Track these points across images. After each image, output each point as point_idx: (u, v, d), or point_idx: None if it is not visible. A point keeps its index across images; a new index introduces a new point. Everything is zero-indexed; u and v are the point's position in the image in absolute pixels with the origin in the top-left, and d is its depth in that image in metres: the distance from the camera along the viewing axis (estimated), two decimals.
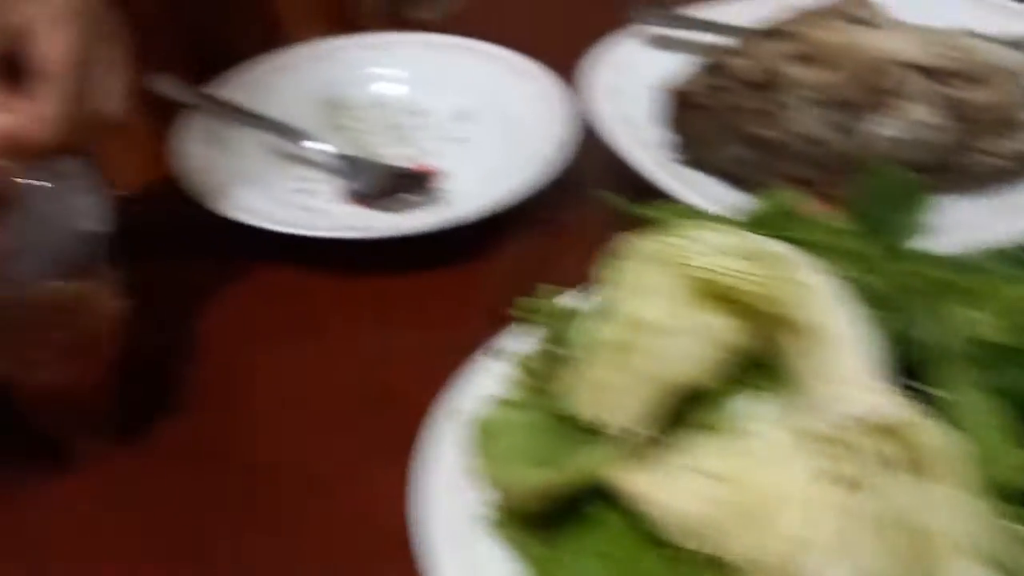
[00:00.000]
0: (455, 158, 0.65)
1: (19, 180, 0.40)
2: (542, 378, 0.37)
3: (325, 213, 0.60)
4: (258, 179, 0.61)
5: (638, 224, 0.38)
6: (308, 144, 0.63)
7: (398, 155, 0.65)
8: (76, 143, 0.43)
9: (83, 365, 0.44)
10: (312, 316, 0.55)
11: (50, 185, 0.42)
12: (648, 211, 0.37)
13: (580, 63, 0.63)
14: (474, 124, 0.67)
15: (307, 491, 0.44)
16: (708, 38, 0.61)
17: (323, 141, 0.63)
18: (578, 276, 0.42)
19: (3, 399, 0.44)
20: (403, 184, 0.62)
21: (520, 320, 0.39)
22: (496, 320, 0.48)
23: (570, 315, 0.38)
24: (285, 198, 0.61)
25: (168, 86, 0.62)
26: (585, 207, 0.58)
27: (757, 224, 0.36)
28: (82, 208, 0.43)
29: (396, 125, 0.68)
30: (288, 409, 0.49)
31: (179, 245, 0.58)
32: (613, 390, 0.33)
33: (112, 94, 0.44)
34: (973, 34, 0.55)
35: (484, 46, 0.70)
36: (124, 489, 0.45)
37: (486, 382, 0.40)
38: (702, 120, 0.52)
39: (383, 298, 0.55)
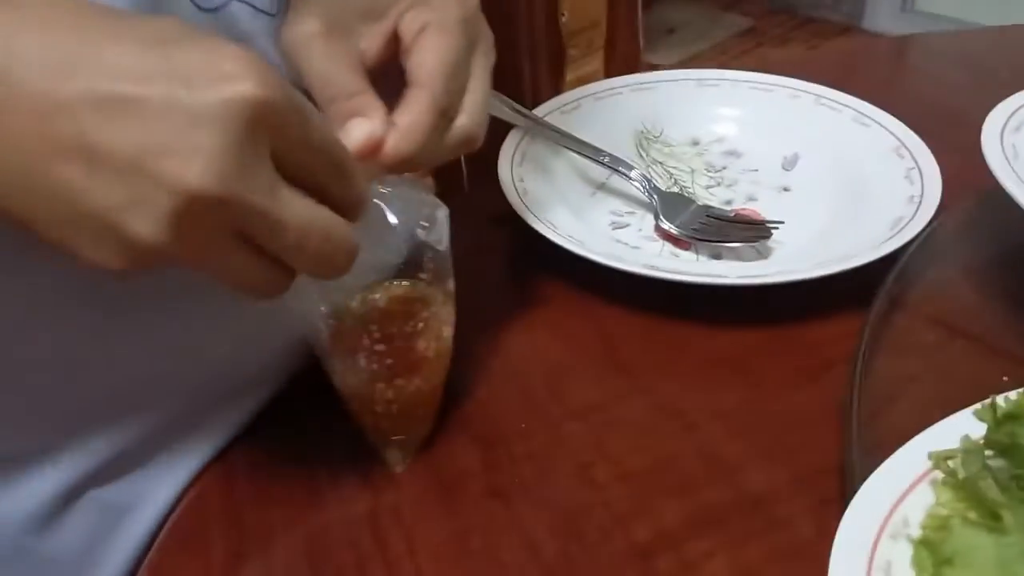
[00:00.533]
0: (777, 207, 0.58)
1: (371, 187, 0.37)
2: (991, 492, 0.30)
3: (637, 249, 0.56)
4: (574, 204, 0.57)
5: None
6: (628, 175, 0.59)
7: (714, 197, 0.60)
8: (431, 157, 0.39)
9: (415, 379, 0.41)
10: (619, 358, 0.49)
11: (394, 195, 0.39)
12: None
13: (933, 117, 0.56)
14: (803, 173, 0.61)
15: (618, 556, 0.39)
16: None
17: (639, 173, 0.59)
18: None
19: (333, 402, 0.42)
20: (720, 228, 0.56)
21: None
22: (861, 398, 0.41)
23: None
24: (599, 228, 0.57)
25: (496, 104, 0.60)
26: (948, 285, 0.51)
27: None
28: (425, 222, 0.39)
29: (714, 165, 0.63)
30: (598, 459, 0.43)
31: (492, 262, 0.55)
32: None
33: (472, 112, 0.40)
34: None
35: (824, 90, 0.63)
36: (403, 510, 0.41)
37: (894, 480, 0.34)
38: None
39: (694, 347, 0.49)
